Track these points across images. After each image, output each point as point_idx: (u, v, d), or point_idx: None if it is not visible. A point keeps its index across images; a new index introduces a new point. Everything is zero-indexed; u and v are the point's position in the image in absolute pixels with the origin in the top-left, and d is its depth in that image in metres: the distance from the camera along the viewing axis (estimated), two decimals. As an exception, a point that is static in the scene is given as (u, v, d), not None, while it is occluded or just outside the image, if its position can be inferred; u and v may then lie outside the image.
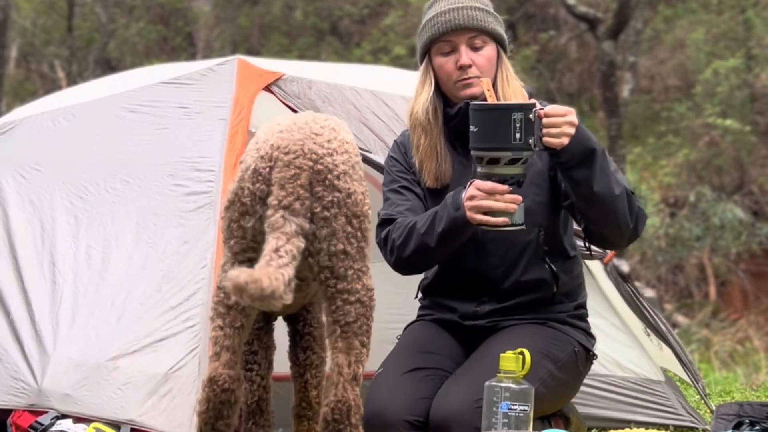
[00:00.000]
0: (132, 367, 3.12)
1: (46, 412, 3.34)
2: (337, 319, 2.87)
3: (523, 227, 3.06)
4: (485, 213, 3.05)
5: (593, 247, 3.86)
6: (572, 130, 3.05)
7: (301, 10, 14.49)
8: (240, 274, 2.52)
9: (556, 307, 3.40)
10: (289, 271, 2.62)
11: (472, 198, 3.07)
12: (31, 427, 3.33)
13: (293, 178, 2.77)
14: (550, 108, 3.07)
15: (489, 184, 3.04)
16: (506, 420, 2.75)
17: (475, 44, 3.34)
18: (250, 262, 2.76)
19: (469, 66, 3.32)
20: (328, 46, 14.33)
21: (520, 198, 3.04)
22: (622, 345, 4.80)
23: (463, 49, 3.33)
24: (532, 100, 3.13)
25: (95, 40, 14.06)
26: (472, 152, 3.05)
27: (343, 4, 14.40)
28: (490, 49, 3.36)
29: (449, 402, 3.09)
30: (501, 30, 3.40)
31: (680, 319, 9.44)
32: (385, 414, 3.09)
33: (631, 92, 12.71)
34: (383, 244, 3.34)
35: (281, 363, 3.89)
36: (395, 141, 3.57)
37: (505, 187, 3.04)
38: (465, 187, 3.13)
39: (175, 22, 14.35)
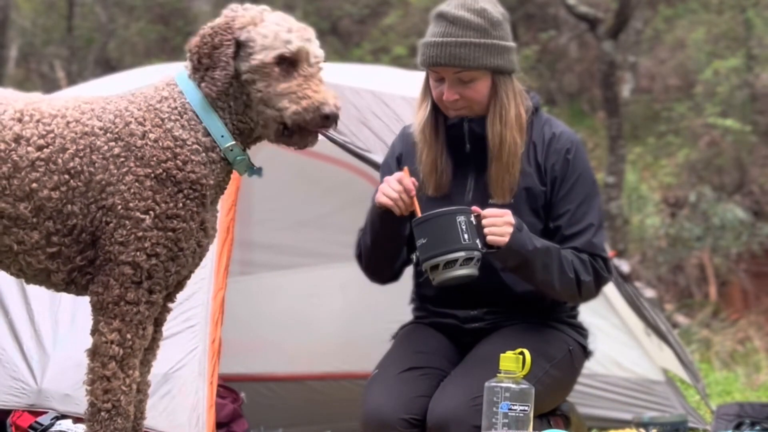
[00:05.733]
0: (132, 368, 3.10)
1: (46, 412, 3.34)
2: None
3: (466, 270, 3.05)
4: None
5: None
6: (511, 229, 3.09)
7: (301, 9, 14.46)
8: None
9: (554, 309, 3.41)
10: None
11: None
12: (30, 427, 3.32)
13: None
14: (488, 210, 3.13)
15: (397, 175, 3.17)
16: (506, 420, 2.74)
17: (462, 78, 3.22)
18: None
19: (454, 101, 3.24)
20: (328, 46, 14.26)
21: (409, 181, 3.13)
22: (622, 345, 4.81)
23: (447, 85, 3.23)
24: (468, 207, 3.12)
25: (95, 40, 14.04)
26: (425, 264, 3.05)
27: (343, 4, 14.38)
28: (480, 84, 3.24)
29: (446, 402, 3.09)
30: (497, 61, 3.23)
31: (680, 319, 9.41)
32: (381, 413, 3.10)
33: (632, 92, 12.69)
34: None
35: (281, 363, 3.89)
36: (393, 143, 3.55)
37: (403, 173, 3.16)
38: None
39: (175, 22, 14.33)
